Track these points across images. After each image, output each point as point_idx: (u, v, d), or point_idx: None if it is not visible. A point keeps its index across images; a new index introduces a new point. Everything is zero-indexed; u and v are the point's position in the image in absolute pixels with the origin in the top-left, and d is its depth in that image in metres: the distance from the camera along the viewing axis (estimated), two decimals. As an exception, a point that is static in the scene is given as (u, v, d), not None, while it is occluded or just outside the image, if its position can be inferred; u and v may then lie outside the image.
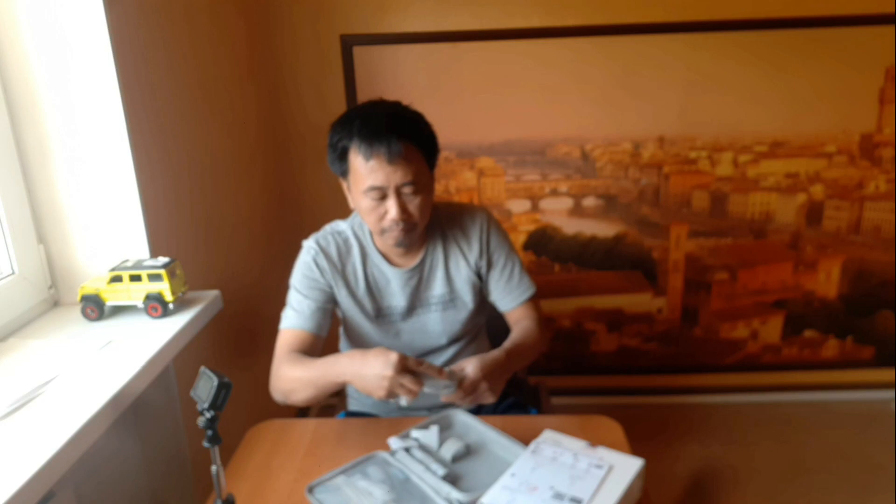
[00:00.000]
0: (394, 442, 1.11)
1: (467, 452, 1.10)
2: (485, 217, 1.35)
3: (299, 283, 1.29)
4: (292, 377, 1.18)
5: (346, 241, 1.31)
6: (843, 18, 2.06)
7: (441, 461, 1.07)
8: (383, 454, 1.10)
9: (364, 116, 1.16)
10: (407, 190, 1.17)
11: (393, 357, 1.03)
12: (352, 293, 1.30)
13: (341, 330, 1.40)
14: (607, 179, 2.26)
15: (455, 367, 1.13)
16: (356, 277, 1.30)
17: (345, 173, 1.21)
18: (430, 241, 1.32)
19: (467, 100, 2.17)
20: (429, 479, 1.01)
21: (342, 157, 1.19)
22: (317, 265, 1.28)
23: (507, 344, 1.24)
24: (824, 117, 2.17)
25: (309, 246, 1.30)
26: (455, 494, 0.97)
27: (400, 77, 2.14)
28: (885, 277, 2.33)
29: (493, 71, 2.13)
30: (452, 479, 1.02)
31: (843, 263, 2.33)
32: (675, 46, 2.10)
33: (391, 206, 1.17)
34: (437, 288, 1.32)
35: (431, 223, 1.31)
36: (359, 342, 1.36)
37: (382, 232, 1.22)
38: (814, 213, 2.28)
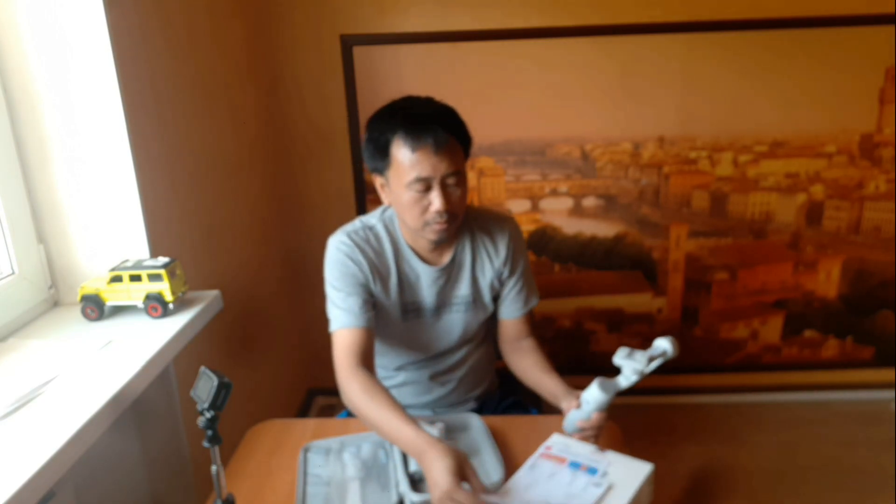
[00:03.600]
0: None
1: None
2: (515, 226, 1.36)
3: (339, 280, 1.24)
4: (363, 412, 1.11)
5: (377, 236, 1.29)
6: (843, 18, 2.06)
7: None
8: None
9: (406, 109, 1.17)
10: (451, 181, 1.16)
11: (450, 465, 0.92)
12: (385, 288, 1.28)
13: None
14: (607, 179, 2.26)
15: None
16: (389, 271, 1.28)
17: (384, 168, 1.19)
18: (460, 242, 1.31)
19: (467, 100, 2.15)
20: (400, 471, 1.04)
21: (383, 151, 1.17)
22: (352, 260, 1.25)
23: (560, 381, 1.23)
24: (824, 117, 2.16)
25: (341, 241, 1.26)
26: (410, 495, 0.99)
27: (400, 77, 2.14)
28: (885, 277, 2.33)
29: (493, 71, 2.13)
30: (421, 477, 1.04)
31: (843, 263, 2.33)
32: (674, 46, 2.10)
33: (435, 198, 1.15)
34: (463, 288, 1.32)
35: (462, 225, 1.31)
36: (383, 337, 1.35)
37: (425, 225, 1.20)
38: (814, 213, 2.28)
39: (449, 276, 1.31)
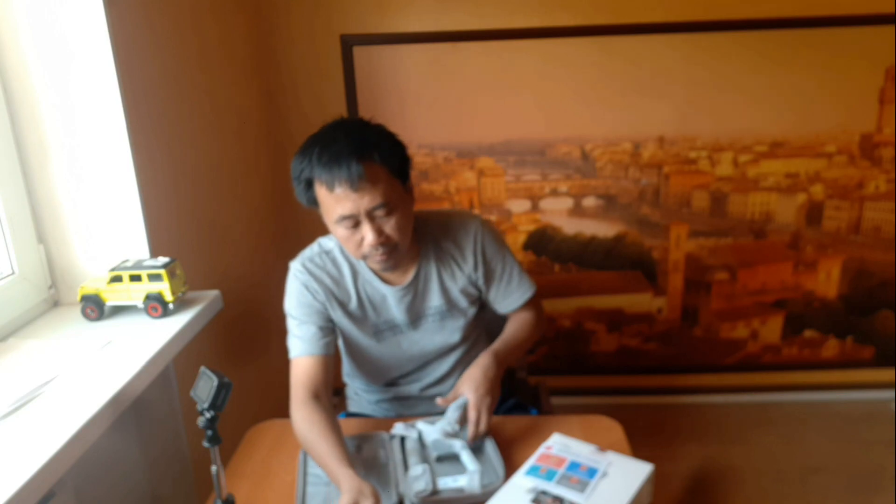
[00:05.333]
0: (397, 427, 1.15)
1: (455, 457, 1.11)
2: (478, 226, 1.29)
3: (296, 309, 1.23)
4: (304, 439, 1.12)
5: (334, 260, 1.26)
6: (843, 18, 2.05)
7: (425, 458, 1.08)
8: (385, 436, 1.15)
9: (322, 144, 1.12)
10: (379, 213, 1.11)
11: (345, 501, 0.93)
12: (347, 312, 1.25)
13: (341, 344, 1.34)
14: (607, 179, 2.26)
15: (451, 396, 1.14)
16: (349, 296, 1.25)
17: (314, 204, 1.16)
18: (423, 255, 1.27)
19: (467, 100, 2.17)
20: (400, 471, 1.05)
21: (308, 188, 1.14)
22: (307, 289, 1.22)
23: (497, 343, 1.25)
24: (824, 117, 2.16)
25: (297, 269, 1.25)
26: (410, 495, 1.00)
27: (400, 77, 2.14)
28: (885, 277, 2.33)
29: (493, 71, 2.13)
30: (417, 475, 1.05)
31: (843, 263, 2.33)
32: (675, 46, 2.10)
33: (366, 232, 1.11)
34: (434, 300, 1.28)
35: (424, 235, 1.27)
36: (360, 357, 1.33)
37: (365, 258, 1.18)
38: (814, 213, 2.28)
39: (415, 291, 1.27)
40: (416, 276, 1.26)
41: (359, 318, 1.27)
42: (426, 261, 1.27)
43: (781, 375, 2.47)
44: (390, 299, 1.26)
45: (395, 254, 1.16)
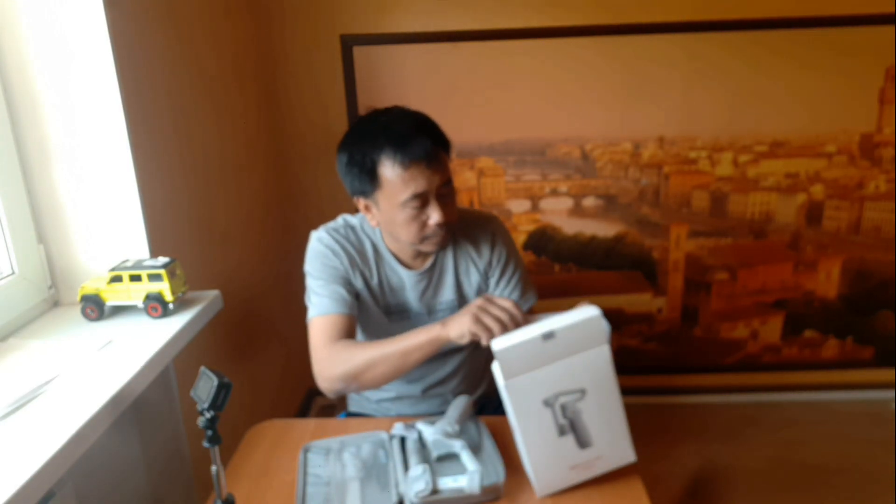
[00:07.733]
0: (397, 427, 1.15)
1: (455, 457, 1.11)
2: (498, 225, 1.33)
3: (319, 271, 1.22)
4: (360, 358, 1.11)
5: (357, 236, 1.28)
6: (843, 18, 2.06)
7: (425, 458, 1.08)
8: (385, 436, 1.15)
9: (384, 127, 1.13)
10: (445, 191, 1.14)
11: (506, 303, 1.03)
12: (368, 285, 1.26)
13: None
14: (607, 179, 2.26)
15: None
16: (371, 272, 1.26)
17: (371, 191, 1.15)
18: None
19: (467, 100, 2.17)
20: (400, 471, 1.05)
21: (370, 173, 1.13)
22: (333, 252, 1.23)
23: None
24: (824, 117, 2.17)
25: (321, 236, 1.26)
26: (410, 495, 1.00)
27: (400, 77, 2.14)
28: (885, 277, 2.33)
29: (494, 71, 2.13)
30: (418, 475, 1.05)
31: (843, 263, 2.33)
32: (675, 46, 2.10)
33: (433, 212, 1.13)
34: (447, 294, 1.30)
35: None
36: (373, 335, 1.32)
37: (424, 240, 1.17)
38: (814, 213, 2.28)
39: (430, 279, 1.28)
40: (434, 265, 1.28)
41: (377, 295, 1.28)
42: (444, 252, 1.29)
43: (781, 375, 2.47)
44: (407, 283, 1.28)
45: (449, 233, 1.19)
